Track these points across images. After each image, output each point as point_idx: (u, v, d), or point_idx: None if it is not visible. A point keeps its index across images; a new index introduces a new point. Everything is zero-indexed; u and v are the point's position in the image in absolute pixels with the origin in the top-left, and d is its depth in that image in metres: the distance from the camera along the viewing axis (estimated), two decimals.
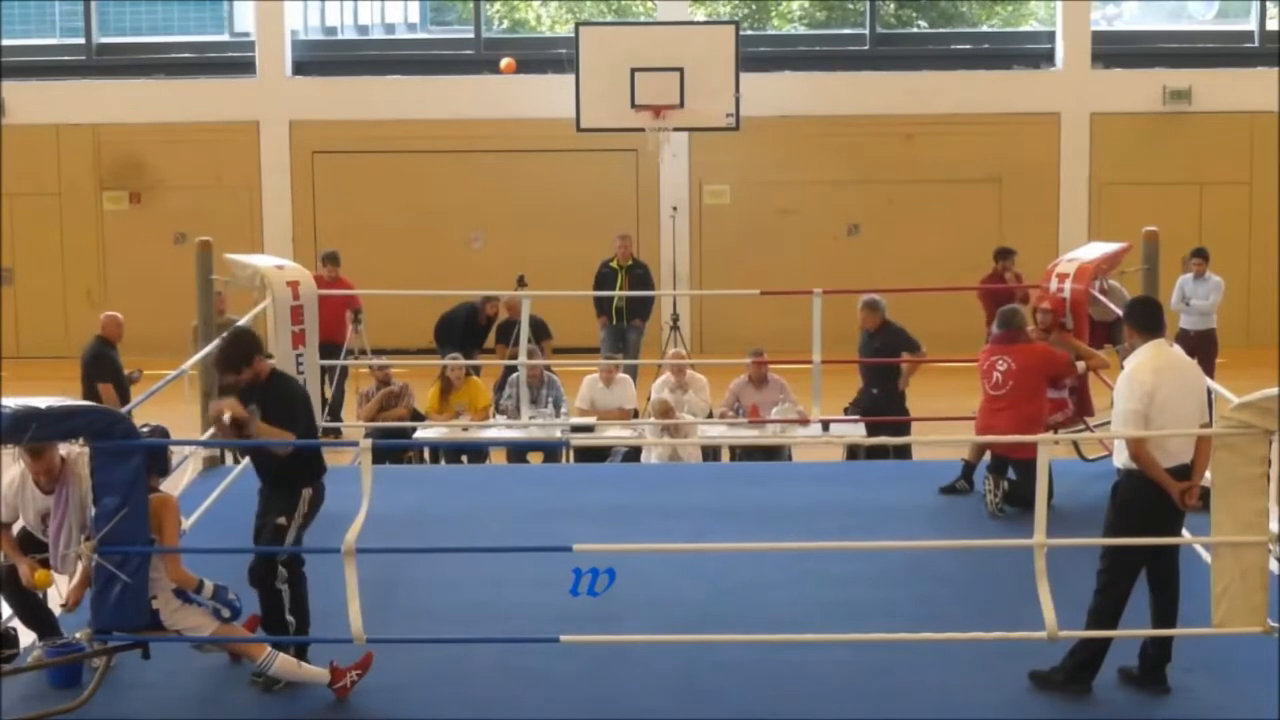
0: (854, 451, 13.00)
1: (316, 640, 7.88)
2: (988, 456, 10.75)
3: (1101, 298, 11.41)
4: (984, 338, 14.60)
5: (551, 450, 13.21)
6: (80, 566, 7.68)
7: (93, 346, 13.10)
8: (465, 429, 13.10)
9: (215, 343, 11.21)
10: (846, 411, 13.26)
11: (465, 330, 15.89)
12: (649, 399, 13.55)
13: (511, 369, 13.57)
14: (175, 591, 7.61)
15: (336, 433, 14.49)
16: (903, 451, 13.01)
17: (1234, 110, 20.47)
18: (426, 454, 13.48)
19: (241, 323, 11.72)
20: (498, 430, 13.03)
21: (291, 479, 7.88)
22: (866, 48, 21.32)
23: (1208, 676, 7.79)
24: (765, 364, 13.19)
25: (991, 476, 10.48)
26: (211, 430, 10.84)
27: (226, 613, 7.66)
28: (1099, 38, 21.07)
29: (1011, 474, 10.55)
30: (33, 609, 8.16)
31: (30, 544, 8.05)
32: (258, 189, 21.04)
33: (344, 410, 15.37)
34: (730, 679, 7.87)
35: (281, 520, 7.82)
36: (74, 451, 7.80)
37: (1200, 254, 16.07)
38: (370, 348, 15.27)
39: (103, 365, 12.90)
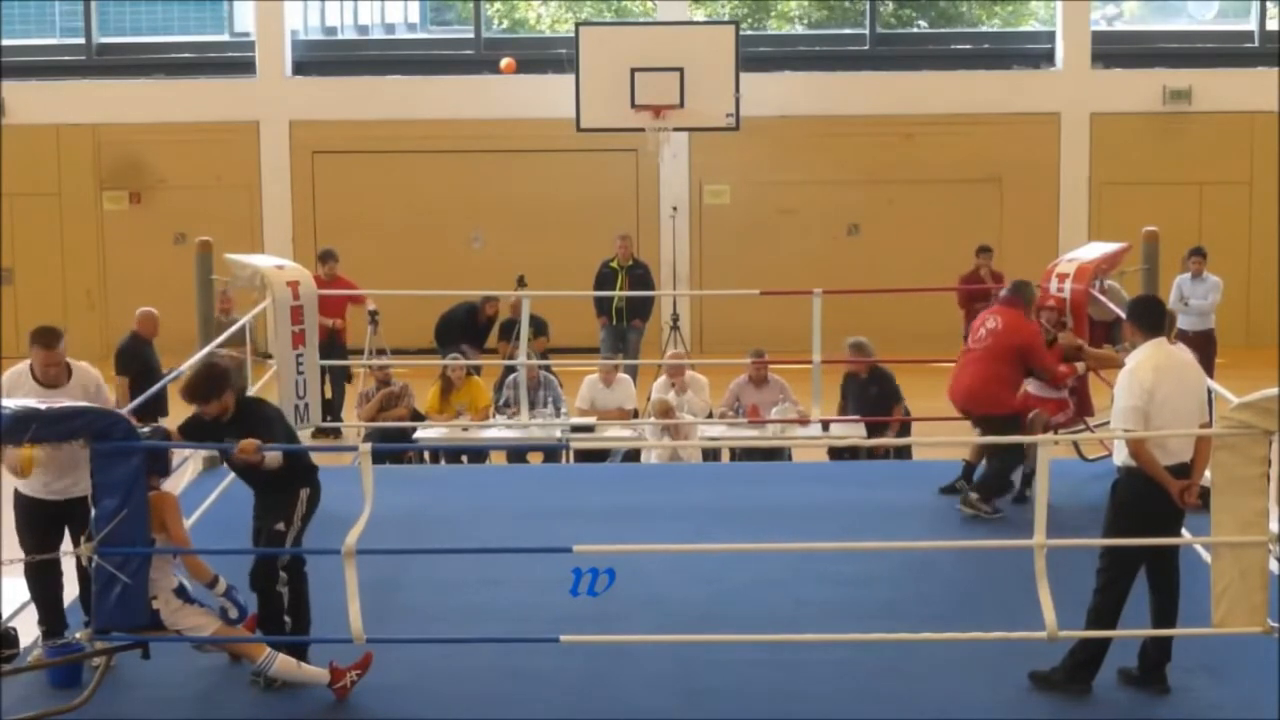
0: (839, 452, 12.95)
1: (316, 640, 7.88)
2: None
3: (1101, 298, 11.41)
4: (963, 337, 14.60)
5: (551, 451, 13.22)
6: None
7: (124, 342, 13.21)
8: (465, 429, 13.10)
9: (214, 344, 11.29)
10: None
11: (465, 330, 15.89)
12: (649, 399, 13.55)
13: (512, 368, 13.57)
14: (175, 591, 7.62)
15: (336, 433, 14.49)
16: (903, 452, 13.01)
17: (1234, 110, 20.46)
18: (426, 454, 13.48)
19: (234, 328, 11.76)
20: (498, 430, 13.02)
21: (285, 486, 7.87)
22: (866, 48, 21.32)
23: (1208, 676, 7.80)
24: (765, 364, 13.20)
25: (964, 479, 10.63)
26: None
27: (234, 613, 7.67)
28: (1099, 38, 21.07)
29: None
30: (49, 601, 8.17)
31: (42, 513, 8.12)
32: (258, 189, 21.04)
33: (344, 410, 15.38)
34: (730, 679, 7.87)
35: (280, 526, 7.82)
36: (83, 365, 7.87)
37: (1198, 253, 16.06)
38: (377, 348, 15.26)
39: (124, 359, 12.98)
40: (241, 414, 7.87)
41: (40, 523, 8.14)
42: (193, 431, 8.07)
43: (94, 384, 8.13)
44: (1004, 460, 10.46)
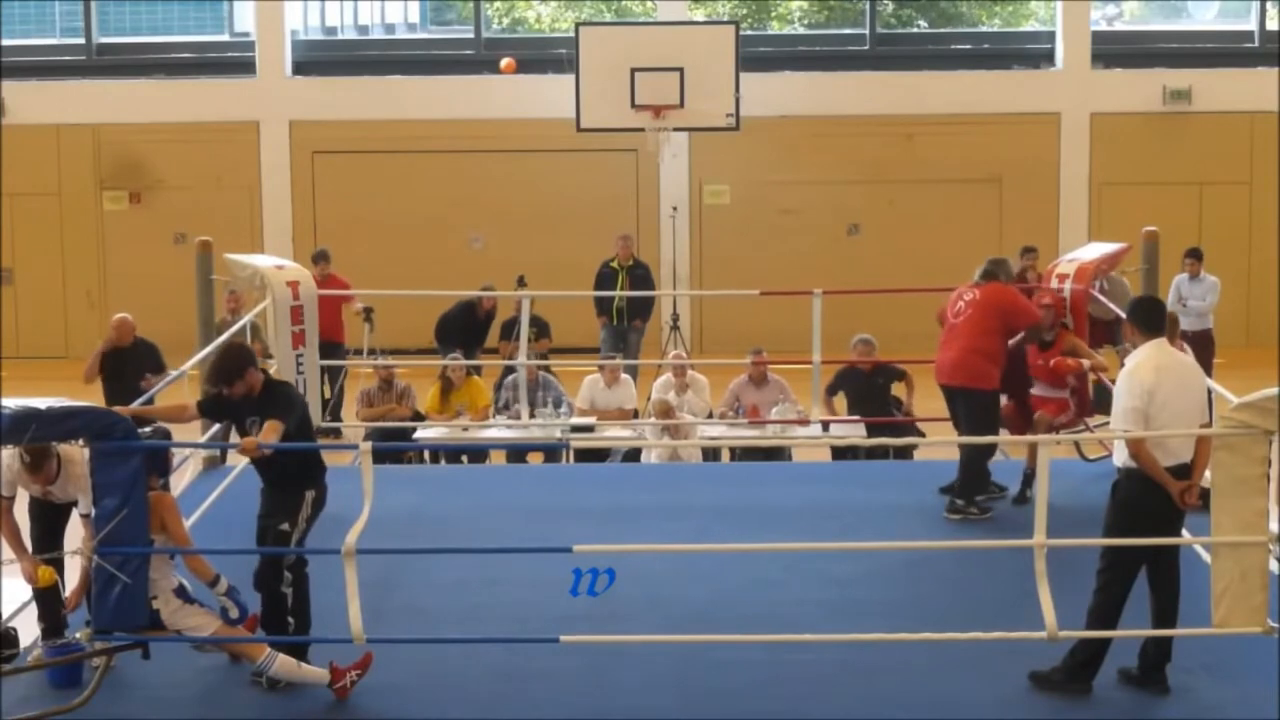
0: (841, 452, 12.97)
1: (316, 640, 7.88)
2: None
3: (1101, 298, 11.41)
4: None
5: (551, 451, 13.22)
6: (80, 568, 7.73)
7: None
8: (465, 429, 13.10)
9: (213, 345, 11.28)
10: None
11: (462, 327, 15.88)
12: (649, 399, 13.56)
13: (510, 370, 13.57)
14: (175, 591, 7.63)
15: (336, 433, 14.49)
16: (903, 452, 13.02)
17: (1234, 110, 20.46)
18: (426, 454, 13.49)
19: (236, 326, 11.78)
20: (498, 430, 13.03)
21: (293, 481, 7.90)
22: (866, 48, 21.32)
23: (1208, 676, 7.80)
24: (765, 363, 13.21)
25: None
26: (212, 430, 10.88)
27: (235, 613, 7.67)
28: (1099, 38, 21.07)
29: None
30: (49, 603, 8.19)
31: (46, 509, 8.17)
32: (258, 189, 21.04)
33: (343, 410, 15.36)
34: (730, 679, 7.87)
35: (285, 526, 7.84)
36: (70, 452, 7.84)
37: (1194, 254, 16.06)
38: (375, 348, 15.25)
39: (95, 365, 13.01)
40: (264, 394, 7.91)
41: (44, 518, 8.20)
42: (211, 409, 8.13)
43: (82, 460, 7.81)
44: (973, 454, 10.40)
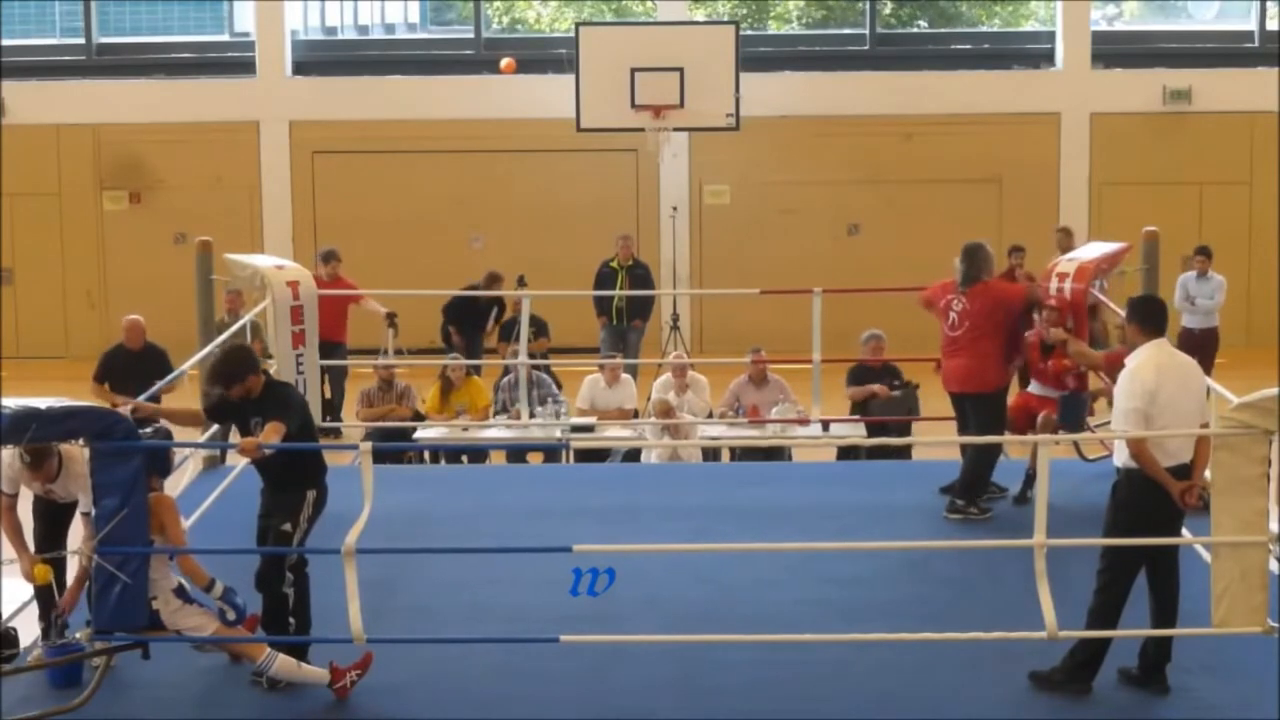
0: (846, 451, 12.99)
1: (316, 640, 7.89)
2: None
3: (1101, 297, 11.40)
4: None
5: (551, 451, 13.22)
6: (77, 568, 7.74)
7: (108, 350, 13.34)
8: (465, 429, 13.10)
9: (213, 345, 11.28)
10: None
11: (460, 316, 15.91)
12: (649, 399, 13.56)
13: (507, 372, 13.56)
14: (175, 591, 7.63)
15: (336, 433, 14.50)
16: (903, 451, 13.02)
17: (1234, 110, 20.46)
18: (426, 454, 13.49)
19: (236, 327, 11.79)
20: (498, 430, 13.03)
21: (294, 481, 7.90)
22: (866, 48, 21.32)
23: (1208, 676, 7.80)
24: (765, 363, 13.22)
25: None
26: (212, 430, 10.88)
27: (231, 615, 7.67)
28: (1099, 38, 21.07)
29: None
30: (49, 603, 8.20)
31: (50, 508, 8.21)
32: (258, 189, 21.04)
33: (344, 410, 15.37)
34: (730, 679, 7.87)
35: (287, 527, 7.85)
36: (71, 450, 7.85)
37: (1203, 252, 16.07)
38: (402, 348, 15.25)
39: (101, 367, 13.06)
40: (265, 395, 7.92)
41: (48, 517, 8.22)
42: (215, 412, 8.16)
43: (83, 459, 7.78)
44: (980, 456, 10.42)
